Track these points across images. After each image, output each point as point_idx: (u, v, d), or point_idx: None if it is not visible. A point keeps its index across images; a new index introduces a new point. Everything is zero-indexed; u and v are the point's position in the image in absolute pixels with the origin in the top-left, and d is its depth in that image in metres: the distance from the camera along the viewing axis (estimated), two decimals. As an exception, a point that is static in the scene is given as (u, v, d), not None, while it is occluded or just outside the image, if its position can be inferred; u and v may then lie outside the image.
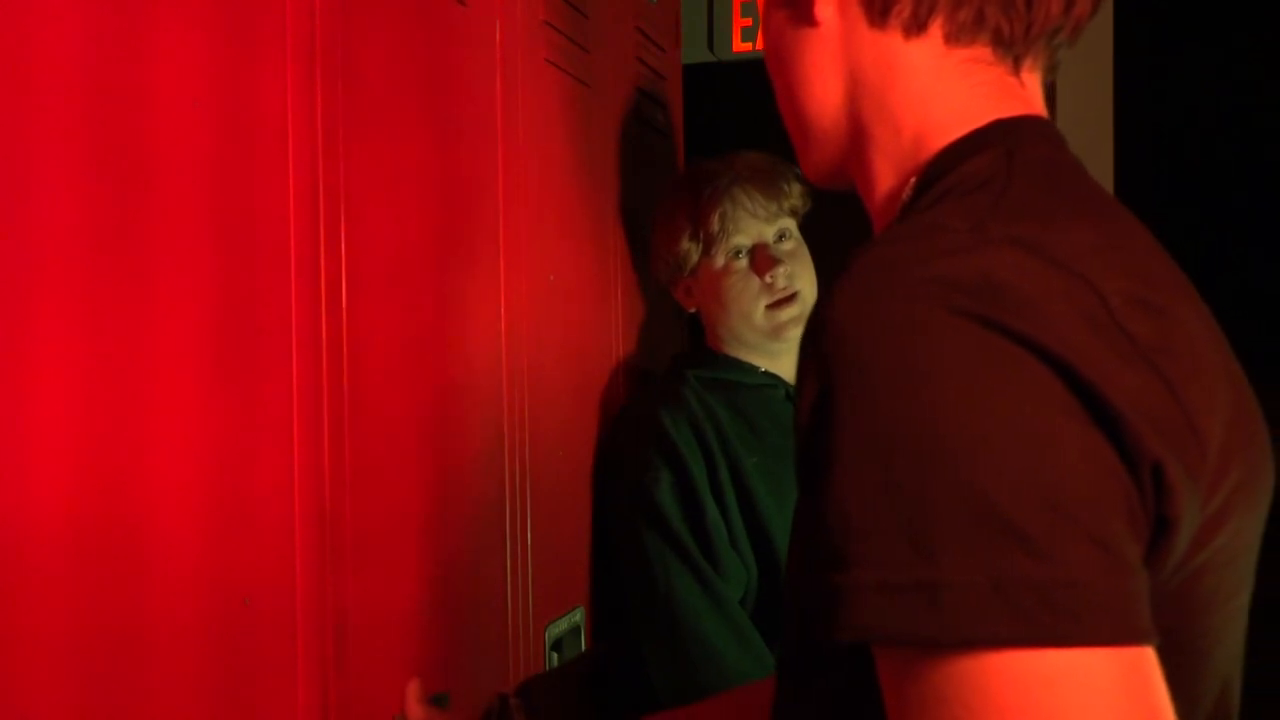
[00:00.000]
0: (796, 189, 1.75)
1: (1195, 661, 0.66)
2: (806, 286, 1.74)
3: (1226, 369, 0.66)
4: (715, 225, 1.71)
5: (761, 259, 1.71)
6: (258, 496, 0.97)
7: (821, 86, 0.79)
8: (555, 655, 1.56)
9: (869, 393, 0.57)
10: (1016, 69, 0.76)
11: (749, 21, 2.47)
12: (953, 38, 0.74)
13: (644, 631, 1.64)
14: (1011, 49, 0.75)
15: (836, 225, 1.44)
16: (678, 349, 2.03)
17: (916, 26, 0.74)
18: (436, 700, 1.23)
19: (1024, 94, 0.76)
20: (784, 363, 1.78)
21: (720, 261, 1.73)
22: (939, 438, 0.55)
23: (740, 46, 2.47)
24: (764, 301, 1.72)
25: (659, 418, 1.68)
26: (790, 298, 1.72)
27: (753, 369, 1.77)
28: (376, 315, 1.13)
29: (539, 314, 1.53)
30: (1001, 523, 0.54)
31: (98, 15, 0.81)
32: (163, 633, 0.86)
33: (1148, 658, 0.55)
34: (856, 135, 0.79)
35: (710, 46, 2.47)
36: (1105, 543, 0.54)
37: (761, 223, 1.72)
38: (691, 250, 1.75)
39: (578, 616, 1.65)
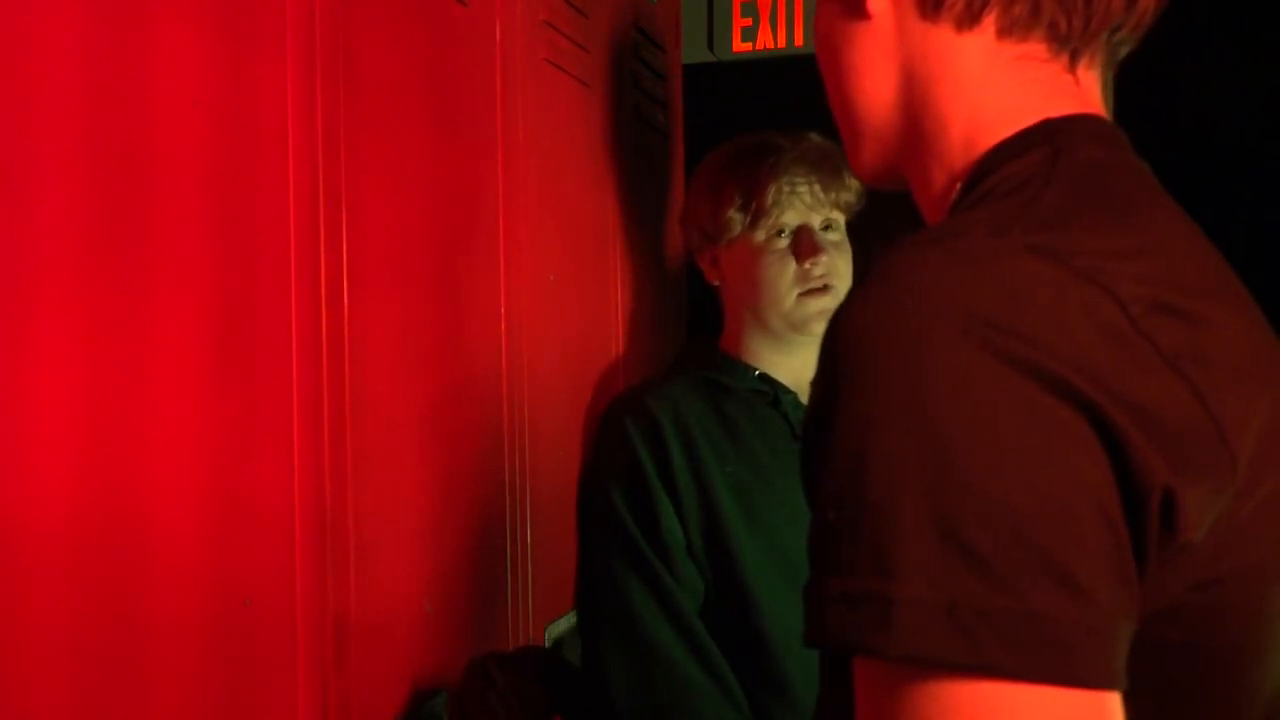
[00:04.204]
0: (855, 184, 1.68)
1: (1233, 675, 0.64)
2: (841, 283, 1.66)
3: (1274, 375, 0.64)
4: (769, 199, 1.63)
5: (806, 244, 1.63)
6: (258, 496, 0.97)
7: (873, 81, 0.77)
8: (555, 655, 1.55)
9: (862, 405, 0.57)
10: (1072, 66, 0.73)
11: (749, 21, 2.46)
12: (1006, 32, 0.72)
13: (600, 642, 1.55)
14: (1067, 45, 0.72)
15: (887, 225, 1.39)
16: (677, 349, 2.03)
17: (969, 19, 0.72)
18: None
19: (1078, 92, 0.73)
20: (787, 364, 1.70)
21: (761, 237, 1.65)
22: (917, 454, 0.55)
23: (740, 46, 2.47)
24: (797, 289, 1.64)
25: (624, 425, 1.60)
26: (824, 289, 1.64)
27: (747, 372, 1.71)
28: (376, 315, 1.13)
29: (539, 314, 1.53)
30: (963, 547, 0.53)
31: (98, 15, 0.81)
32: (163, 633, 0.86)
33: (1104, 703, 0.54)
34: (909, 133, 0.77)
35: (710, 46, 2.46)
36: (1074, 581, 0.53)
37: (810, 209, 1.66)
38: (736, 220, 1.66)
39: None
